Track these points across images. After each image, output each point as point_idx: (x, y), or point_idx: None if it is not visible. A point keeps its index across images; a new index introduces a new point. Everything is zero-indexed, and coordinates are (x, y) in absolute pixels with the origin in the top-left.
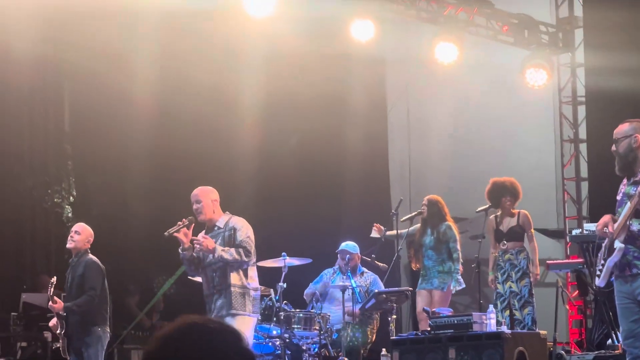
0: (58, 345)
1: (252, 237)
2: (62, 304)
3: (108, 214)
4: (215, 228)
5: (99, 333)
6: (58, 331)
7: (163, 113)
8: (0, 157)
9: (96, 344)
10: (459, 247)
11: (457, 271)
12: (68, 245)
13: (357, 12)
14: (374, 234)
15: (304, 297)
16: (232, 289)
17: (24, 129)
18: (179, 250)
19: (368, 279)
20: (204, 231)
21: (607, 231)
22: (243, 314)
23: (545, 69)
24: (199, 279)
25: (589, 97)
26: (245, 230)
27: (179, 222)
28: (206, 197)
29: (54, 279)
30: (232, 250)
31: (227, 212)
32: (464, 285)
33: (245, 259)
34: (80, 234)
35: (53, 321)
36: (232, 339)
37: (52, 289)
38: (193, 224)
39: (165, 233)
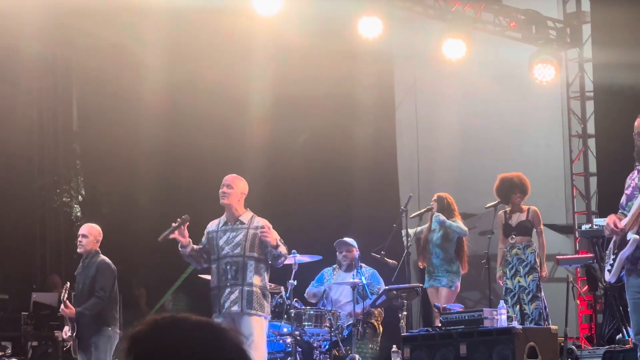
0: (69, 345)
1: None
2: (74, 310)
3: (117, 213)
4: (238, 223)
5: (109, 333)
6: (69, 334)
7: (171, 111)
8: (9, 158)
9: (105, 344)
10: (462, 226)
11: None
12: (78, 251)
13: (365, 10)
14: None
15: (306, 296)
16: (254, 289)
17: (33, 130)
18: (179, 247)
19: (367, 273)
20: (219, 221)
21: (617, 228)
22: (261, 315)
23: (553, 65)
24: (208, 276)
25: (597, 93)
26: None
27: (173, 224)
28: (238, 186)
29: (68, 285)
30: (282, 243)
31: (248, 209)
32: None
33: (287, 254)
34: (88, 237)
35: (65, 330)
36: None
37: (66, 294)
38: (187, 222)
39: (159, 239)
